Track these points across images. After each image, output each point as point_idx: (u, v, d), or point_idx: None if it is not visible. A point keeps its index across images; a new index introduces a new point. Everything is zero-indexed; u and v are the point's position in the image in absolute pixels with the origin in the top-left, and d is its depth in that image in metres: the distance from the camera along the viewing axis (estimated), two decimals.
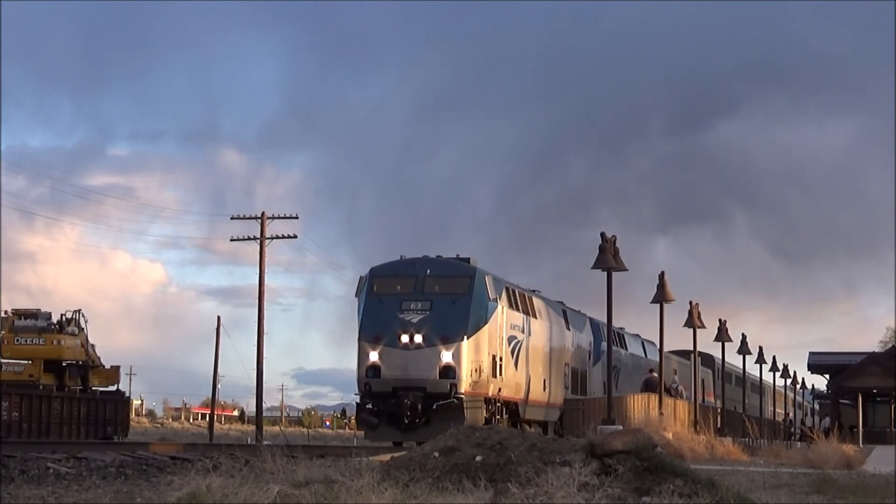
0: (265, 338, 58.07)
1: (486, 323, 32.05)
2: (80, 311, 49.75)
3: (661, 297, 37.15)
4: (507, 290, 34.34)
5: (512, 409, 34.14)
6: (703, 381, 55.98)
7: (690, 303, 42.65)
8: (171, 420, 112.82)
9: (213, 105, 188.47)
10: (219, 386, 72.73)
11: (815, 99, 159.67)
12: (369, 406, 31.07)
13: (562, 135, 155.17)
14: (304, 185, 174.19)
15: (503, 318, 33.32)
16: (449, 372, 30.80)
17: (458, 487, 12.92)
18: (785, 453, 37.57)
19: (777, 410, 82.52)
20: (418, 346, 30.99)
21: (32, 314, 48.72)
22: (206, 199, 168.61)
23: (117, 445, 32.47)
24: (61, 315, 49.01)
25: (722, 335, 48.26)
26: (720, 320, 48.43)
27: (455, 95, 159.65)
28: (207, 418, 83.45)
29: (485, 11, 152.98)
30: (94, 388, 49.94)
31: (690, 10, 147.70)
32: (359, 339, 31.51)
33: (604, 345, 39.53)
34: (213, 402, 71.96)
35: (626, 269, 32.04)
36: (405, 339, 31.00)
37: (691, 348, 45.52)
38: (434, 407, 30.38)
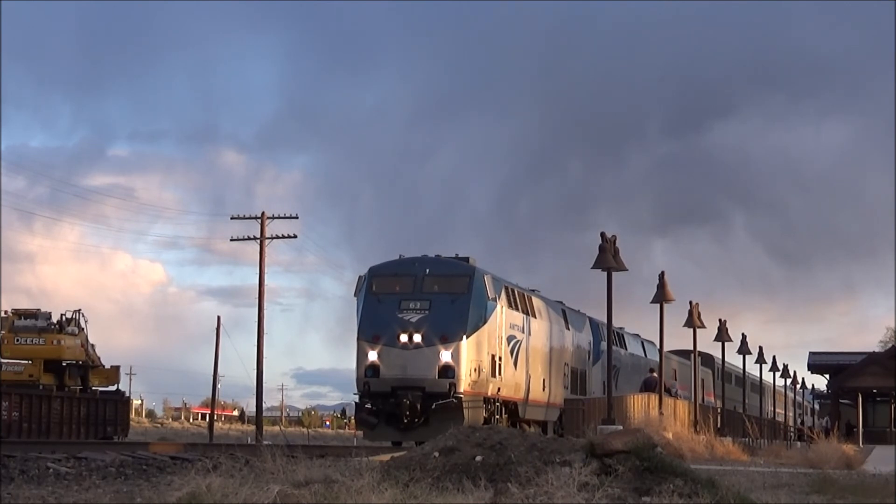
0: (265, 338, 58.07)
1: (485, 322, 32.01)
2: (79, 311, 49.84)
3: (660, 297, 37.11)
4: (507, 289, 34.30)
5: (511, 409, 34.11)
6: (703, 381, 55.95)
7: (690, 303, 42.62)
8: (171, 420, 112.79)
9: (212, 105, 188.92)
10: (219, 386, 72.86)
11: (814, 99, 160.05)
12: (368, 406, 31.01)
13: (560, 136, 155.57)
14: (304, 185, 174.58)
15: (502, 317, 33.28)
16: (448, 371, 30.75)
17: (458, 487, 12.91)
18: (785, 453, 37.59)
19: (777, 410, 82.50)
20: (417, 346, 30.94)
21: (32, 314, 48.72)
22: (206, 199, 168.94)
23: (117, 445, 32.46)
24: (61, 315, 49.05)
25: (722, 335, 48.22)
26: (720, 320, 48.41)
27: (454, 96, 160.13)
28: (207, 418, 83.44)
29: (483, 13, 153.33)
30: (94, 388, 49.98)
31: (688, 10, 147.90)
32: (358, 339, 31.47)
33: (603, 344, 39.51)
34: (213, 402, 71.97)
35: (627, 269, 32.00)
36: (404, 338, 30.95)
37: (691, 348, 45.50)
38: (433, 406, 30.34)
